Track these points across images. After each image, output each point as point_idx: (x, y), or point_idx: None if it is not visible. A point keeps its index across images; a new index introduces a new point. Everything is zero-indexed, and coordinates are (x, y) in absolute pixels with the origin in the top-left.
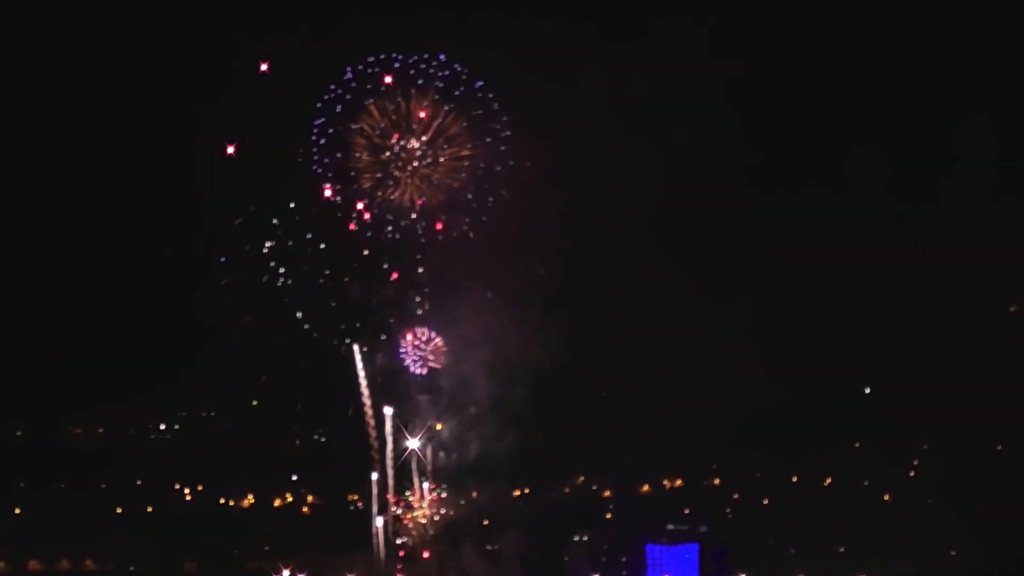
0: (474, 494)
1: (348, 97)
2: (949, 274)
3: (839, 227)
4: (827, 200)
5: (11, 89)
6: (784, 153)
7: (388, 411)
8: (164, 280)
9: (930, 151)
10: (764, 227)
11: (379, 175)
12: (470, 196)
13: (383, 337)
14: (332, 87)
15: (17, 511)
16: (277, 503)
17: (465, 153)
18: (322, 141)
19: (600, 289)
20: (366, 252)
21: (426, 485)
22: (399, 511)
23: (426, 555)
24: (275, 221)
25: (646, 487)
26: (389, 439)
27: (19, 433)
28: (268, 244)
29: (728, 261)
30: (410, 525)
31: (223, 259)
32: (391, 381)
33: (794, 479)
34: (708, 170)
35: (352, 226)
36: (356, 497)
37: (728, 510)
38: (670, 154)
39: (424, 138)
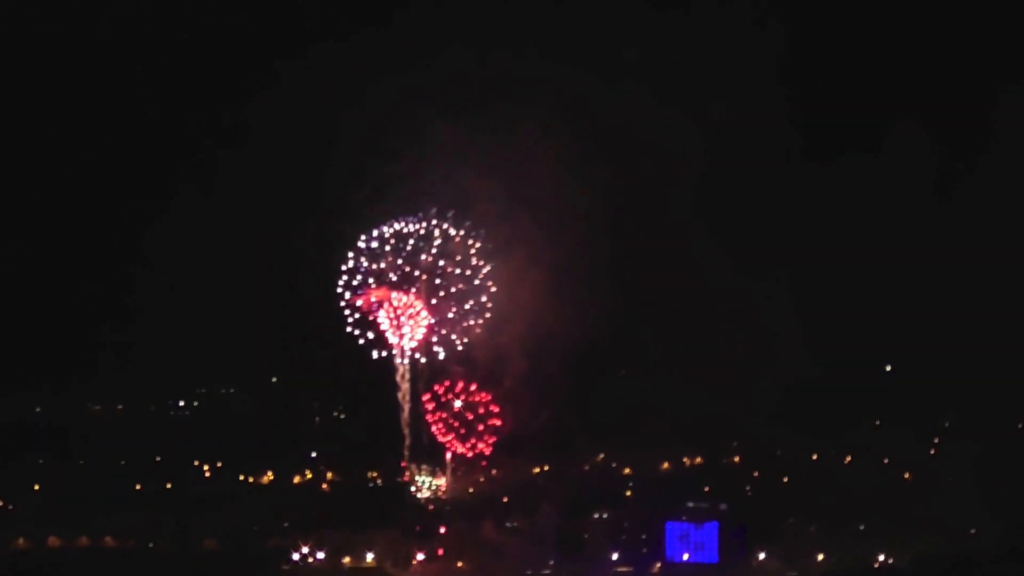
0: (494, 471)
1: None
2: (974, 252)
3: (865, 204)
4: (856, 177)
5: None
6: (820, 131)
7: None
8: (179, 263)
9: (966, 131)
10: (786, 209)
11: None
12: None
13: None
14: None
15: (36, 488)
16: (296, 480)
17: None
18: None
19: (624, 268)
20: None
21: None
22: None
23: (443, 531)
24: None
25: (666, 465)
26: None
27: (39, 410)
28: None
29: (745, 244)
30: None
31: None
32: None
33: (814, 457)
34: (744, 147)
35: None
36: (375, 474)
37: (748, 488)
38: (708, 130)
39: None
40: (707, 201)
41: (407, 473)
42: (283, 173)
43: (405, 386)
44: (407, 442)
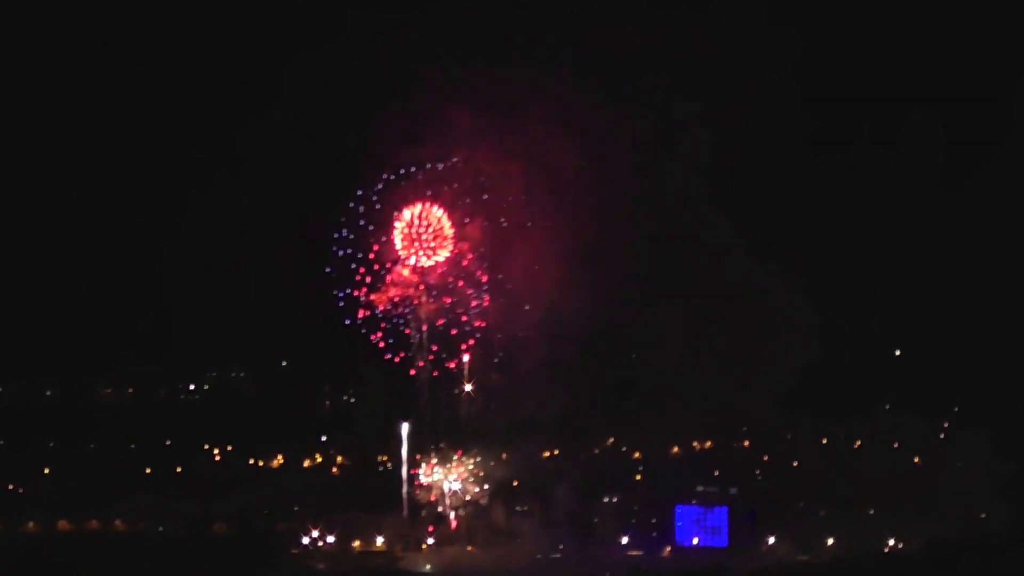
0: (504, 455)
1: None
2: (984, 238)
3: (875, 189)
4: (867, 163)
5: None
6: (834, 117)
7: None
8: (192, 241)
9: (979, 115)
10: (796, 194)
11: None
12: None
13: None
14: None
15: (47, 471)
16: (306, 464)
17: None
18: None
19: (637, 252)
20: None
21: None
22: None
23: (453, 516)
24: None
25: (676, 449)
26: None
27: (49, 393)
28: None
29: (757, 229)
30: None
31: None
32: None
33: (824, 442)
34: (759, 134)
35: None
36: (385, 458)
37: (758, 472)
38: (723, 120)
39: None
40: (719, 187)
41: (419, 456)
42: (289, 154)
43: (421, 371)
44: (420, 428)
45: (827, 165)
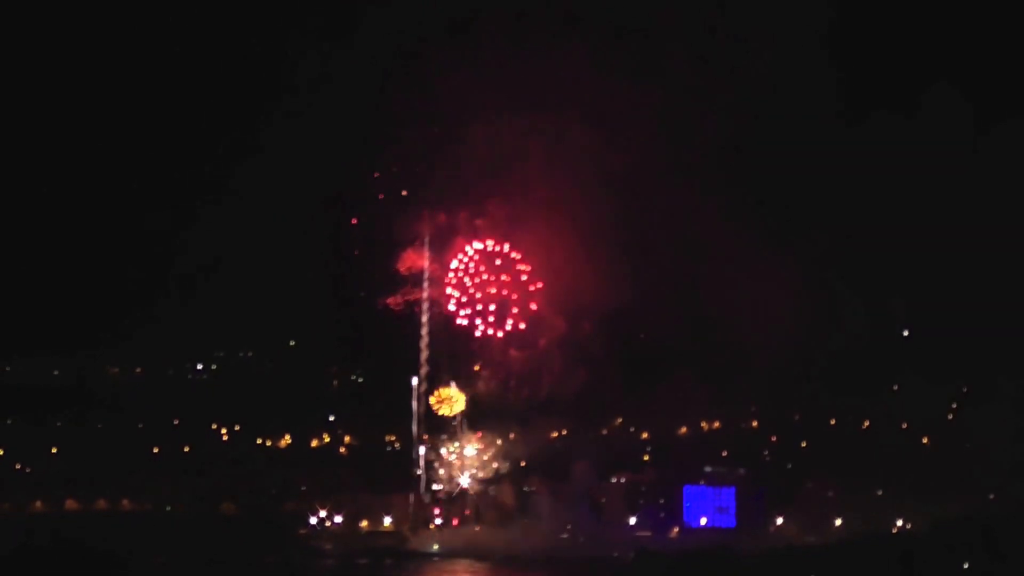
0: (512, 435)
1: None
2: (992, 222)
3: (882, 169)
4: (876, 144)
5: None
6: (844, 100)
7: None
8: (202, 224)
9: (990, 93)
10: (808, 171)
11: None
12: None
13: None
14: None
15: (54, 451)
16: (314, 444)
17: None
18: None
19: (648, 236)
20: None
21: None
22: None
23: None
24: None
25: (684, 429)
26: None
27: (56, 373)
28: None
29: (765, 211)
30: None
31: None
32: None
33: (832, 422)
34: (771, 117)
35: None
36: (393, 438)
37: (766, 453)
38: (738, 100)
39: None
40: (731, 167)
41: (426, 437)
42: (298, 134)
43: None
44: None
45: (837, 144)
